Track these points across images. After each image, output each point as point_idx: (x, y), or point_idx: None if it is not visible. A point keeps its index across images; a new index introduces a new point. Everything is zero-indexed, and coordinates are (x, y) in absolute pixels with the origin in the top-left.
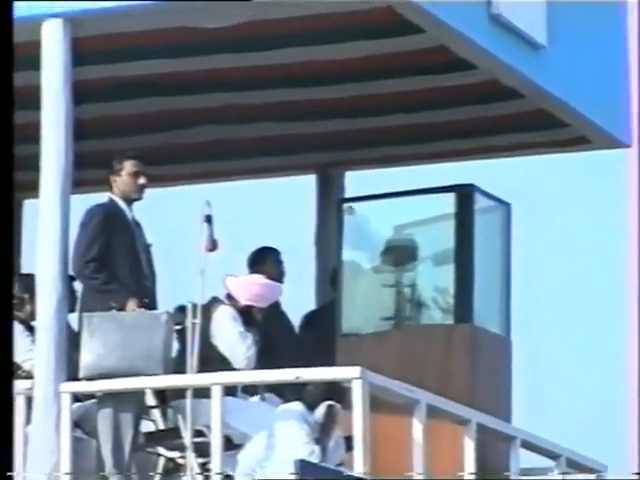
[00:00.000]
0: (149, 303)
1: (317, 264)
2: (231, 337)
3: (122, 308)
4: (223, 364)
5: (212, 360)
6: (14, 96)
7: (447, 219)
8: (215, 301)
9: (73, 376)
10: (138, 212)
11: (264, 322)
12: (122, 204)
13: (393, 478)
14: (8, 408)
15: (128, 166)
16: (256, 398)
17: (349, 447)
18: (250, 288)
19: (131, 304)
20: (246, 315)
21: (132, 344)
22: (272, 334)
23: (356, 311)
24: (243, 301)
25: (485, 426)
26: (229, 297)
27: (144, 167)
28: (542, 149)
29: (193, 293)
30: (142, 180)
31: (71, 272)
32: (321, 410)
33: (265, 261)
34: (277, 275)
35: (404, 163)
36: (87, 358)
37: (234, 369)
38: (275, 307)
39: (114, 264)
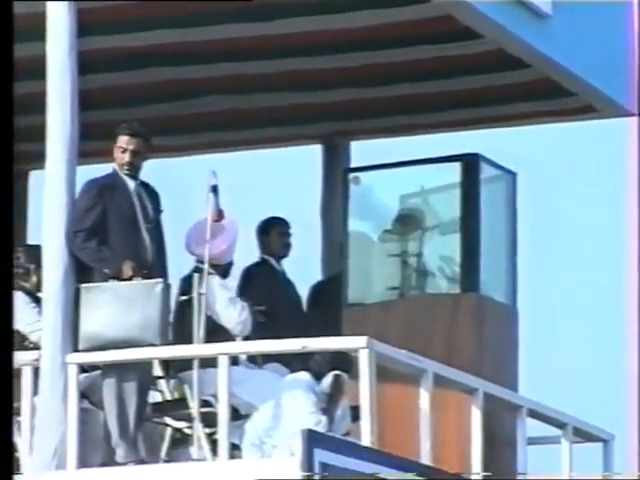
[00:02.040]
0: (149, 274)
1: (323, 234)
2: (221, 304)
3: (117, 274)
4: (221, 334)
5: (210, 331)
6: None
7: (453, 188)
8: (201, 272)
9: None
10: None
11: (269, 291)
12: (123, 175)
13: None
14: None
15: (118, 141)
16: (263, 368)
17: (356, 417)
18: (226, 245)
19: (126, 268)
20: (228, 272)
21: (128, 315)
22: (279, 304)
23: (362, 281)
24: (226, 261)
25: (492, 395)
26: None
27: (139, 142)
28: (548, 118)
29: (191, 261)
30: (127, 157)
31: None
32: (328, 380)
33: (269, 232)
34: (282, 246)
35: (410, 133)
36: (85, 330)
37: (232, 338)
38: (281, 276)
39: (108, 235)
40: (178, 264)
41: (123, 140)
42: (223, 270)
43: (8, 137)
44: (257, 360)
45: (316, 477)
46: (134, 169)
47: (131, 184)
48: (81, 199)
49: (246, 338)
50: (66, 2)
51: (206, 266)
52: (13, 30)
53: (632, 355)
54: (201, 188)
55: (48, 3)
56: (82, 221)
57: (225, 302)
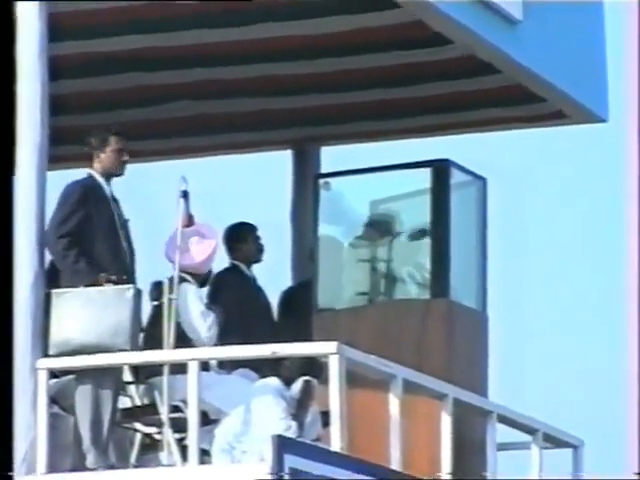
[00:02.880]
0: (128, 280)
1: (293, 239)
2: (193, 316)
3: (92, 284)
4: (186, 342)
5: (181, 337)
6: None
7: (423, 194)
8: (179, 279)
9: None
10: (115, 187)
11: (240, 298)
12: (101, 180)
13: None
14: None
15: (113, 142)
16: (232, 374)
17: (326, 422)
18: (205, 256)
19: (101, 280)
20: (205, 281)
21: (99, 320)
22: (249, 310)
23: (332, 286)
24: (204, 270)
25: (462, 401)
26: (187, 273)
27: (126, 143)
28: (519, 124)
29: (169, 269)
30: (125, 157)
31: (46, 247)
32: (298, 385)
33: (247, 238)
34: (257, 252)
35: (380, 138)
36: (55, 335)
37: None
38: (251, 283)
39: (90, 241)
40: (149, 270)
41: (116, 140)
42: (202, 279)
43: (8, 141)
44: (227, 366)
45: (285, 477)
46: (125, 169)
47: (107, 189)
48: (62, 204)
49: (216, 343)
50: (36, 5)
51: (176, 272)
52: (14, 31)
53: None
54: (171, 193)
55: (18, 8)
56: (64, 226)
57: (197, 314)
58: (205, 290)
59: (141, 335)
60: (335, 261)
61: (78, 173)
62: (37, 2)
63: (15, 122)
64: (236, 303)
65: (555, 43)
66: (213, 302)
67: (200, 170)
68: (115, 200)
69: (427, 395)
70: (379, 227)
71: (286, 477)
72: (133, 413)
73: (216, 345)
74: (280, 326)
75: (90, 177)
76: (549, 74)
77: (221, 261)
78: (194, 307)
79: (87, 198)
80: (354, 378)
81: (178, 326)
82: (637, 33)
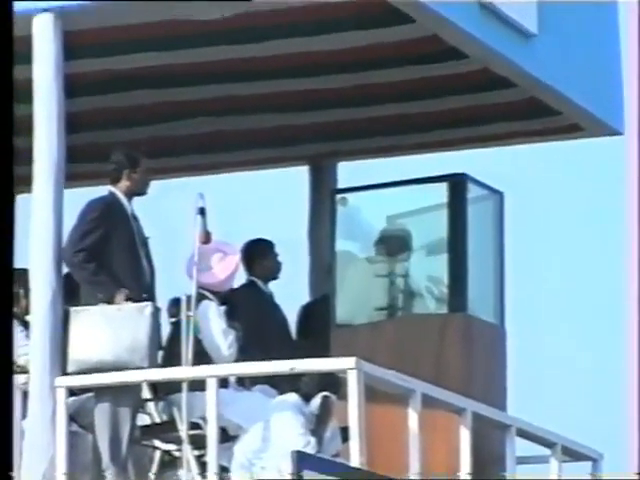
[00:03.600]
0: (148, 298)
1: (310, 255)
2: (214, 333)
3: (110, 300)
4: (206, 359)
5: (200, 353)
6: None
7: (440, 209)
8: (200, 296)
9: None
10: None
11: (258, 314)
12: (122, 198)
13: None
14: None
15: (145, 162)
16: (251, 390)
17: (345, 438)
18: (228, 273)
19: (119, 297)
20: (226, 298)
21: (117, 338)
22: (267, 326)
23: (350, 302)
24: (226, 288)
25: (480, 415)
26: (209, 290)
27: (149, 162)
28: (534, 138)
29: (188, 286)
30: (151, 176)
31: (63, 262)
32: (317, 401)
33: (265, 255)
34: (275, 269)
35: (396, 153)
36: (74, 353)
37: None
38: (269, 299)
39: (110, 257)
40: (168, 288)
41: (147, 161)
42: (222, 297)
43: (8, 156)
44: (245, 382)
45: None
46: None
47: (128, 207)
48: (83, 220)
49: (235, 360)
50: (52, 26)
51: (193, 289)
52: (12, 32)
53: (624, 373)
54: (188, 210)
55: (34, 27)
56: (83, 241)
57: (218, 332)
58: (224, 308)
59: (160, 352)
60: (353, 276)
61: (95, 190)
62: (52, 20)
63: (13, 138)
64: (254, 319)
65: (570, 56)
66: (231, 318)
67: (217, 187)
68: (135, 218)
69: (446, 409)
70: (396, 242)
71: None
72: (152, 430)
73: (235, 361)
74: (298, 342)
75: (111, 195)
76: (564, 87)
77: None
78: (215, 325)
79: (108, 215)
80: (373, 393)
81: (197, 343)
82: (637, 33)
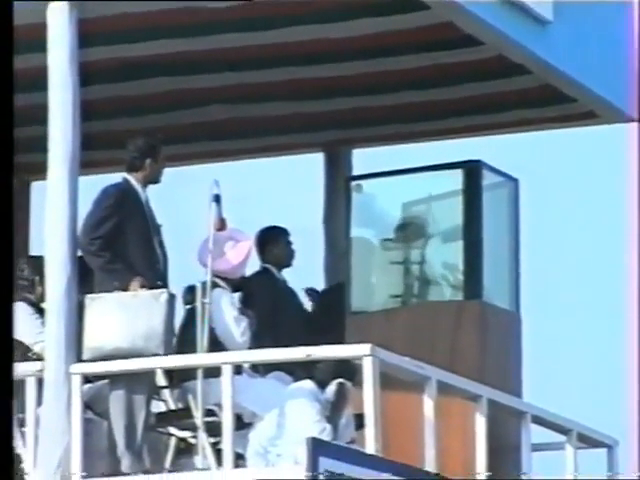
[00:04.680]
0: (161, 285)
1: (325, 242)
2: (227, 321)
3: (125, 288)
4: (219, 346)
5: (214, 341)
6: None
7: (455, 195)
8: (212, 284)
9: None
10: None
11: (272, 301)
12: (137, 185)
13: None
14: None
15: (161, 151)
16: (266, 377)
17: (360, 425)
18: (240, 260)
19: (134, 284)
20: (238, 286)
21: (132, 325)
22: (282, 313)
23: (365, 289)
24: (238, 275)
25: (496, 402)
26: (221, 277)
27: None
28: (549, 125)
29: (200, 273)
30: (165, 164)
31: (78, 249)
32: (332, 388)
33: (278, 242)
34: (288, 256)
35: (411, 140)
36: (89, 340)
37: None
38: (283, 286)
39: (125, 245)
40: (181, 275)
41: (163, 149)
42: (234, 284)
43: (8, 148)
44: (260, 369)
45: (321, 477)
46: None
47: (143, 195)
48: (98, 207)
49: (249, 348)
50: (67, 14)
51: (208, 276)
52: (13, 37)
53: (635, 359)
54: (203, 197)
55: (49, 15)
56: (99, 229)
57: (230, 320)
58: (237, 295)
59: (174, 339)
60: (368, 264)
61: (107, 178)
62: (67, 8)
63: (13, 128)
64: (267, 306)
65: (585, 43)
66: (245, 306)
67: (231, 174)
68: (149, 206)
69: (461, 396)
70: (411, 229)
71: (321, 477)
72: (167, 417)
73: (250, 348)
74: (313, 329)
75: (126, 182)
76: (580, 74)
77: (252, 265)
78: (227, 313)
79: (123, 203)
80: (388, 380)
81: (211, 330)
82: (637, 33)
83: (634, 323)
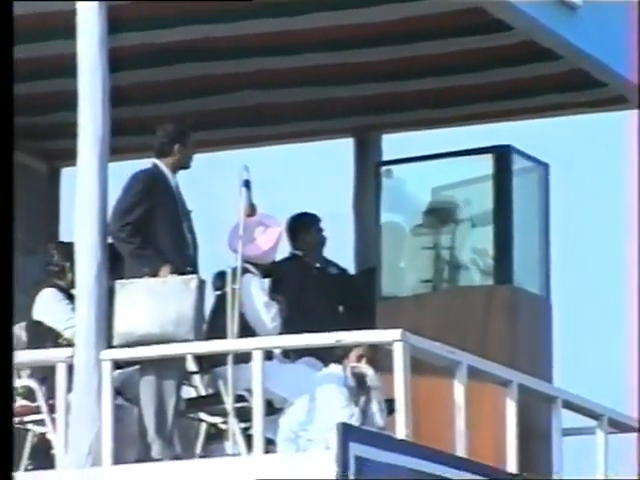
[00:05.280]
0: (192, 271)
1: (355, 228)
2: (257, 307)
3: (155, 274)
4: (249, 332)
5: (244, 326)
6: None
7: (485, 180)
8: (242, 270)
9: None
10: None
11: (302, 287)
12: (167, 171)
13: None
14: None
15: (190, 136)
16: (296, 362)
17: (391, 410)
18: (271, 245)
19: (164, 271)
20: (269, 271)
21: (163, 310)
22: (311, 299)
23: (395, 274)
24: (269, 260)
25: (526, 387)
26: (251, 263)
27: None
28: (580, 109)
29: (230, 259)
30: (195, 149)
31: (108, 235)
32: (348, 373)
33: (309, 229)
34: (319, 243)
35: (441, 125)
36: (119, 326)
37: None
38: (314, 272)
39: (154, 231)
40: (210, 261)
41: (192, 135)
42: (264, 270)
43: (8, 139)
44: (291, 355)
45: (351, 477)
46: None
47: (172, 180)
48: (128, 193)
49: (280, 333)
50: (96, 1)
51: (239, 262)
52: (13, 30)
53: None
54: (233, 183)
55: (79, 1)
56: (128, 215)
57: (260, 305)
58: (267, 281)
59: (204, 325)
60: (398, 249)
61: (139, 164)
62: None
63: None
64: (298, 292)
65: (614, 27)
66: (275, 292)
67: (262, 159)
68: (179, 191)
69: (492, 381)
70: (441, 214)
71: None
72: (198, 403)
73: (280, 334)
74: (344, 314)
75: (155, 167)
76: (609, 59)
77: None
78: (258, 298)
79: (152, 188)
80: (418, 365)
81: (241, 316)
82: (637, 32)
83: None
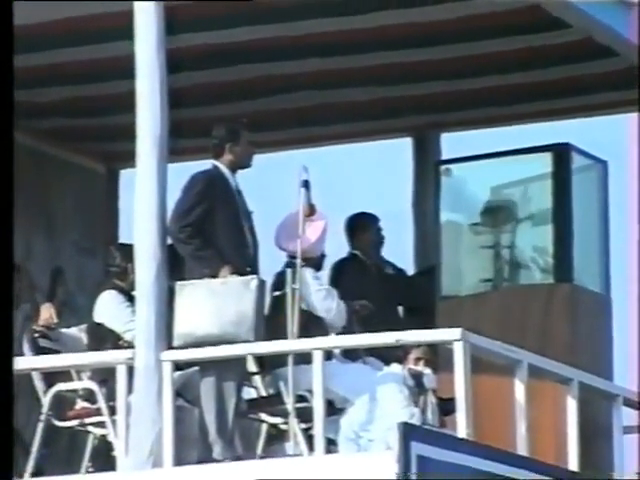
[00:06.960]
0: (252, 272)
1: (415, 227)
2: (318, 296)
3: (215, 275)
4: (314, 329)
5: (303, 326)
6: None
7: (544, 179)
8: (294, 265)
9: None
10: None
11: (360, 287)
12: (226, 172)
13: None
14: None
15: (247, 134)
16: (358, 362)
17: (451, 409)
18: (317, 236)
19: (224, 271)
20: (321, 265)
21: (223, 311)
22: (371, 299)
23: (455, 273)
24: (317, 252)
25: (587, 385)
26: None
27: (253, 135)
28: (638, 107)
29: (284, 257)
30: (254, 149)
31: (168, 237)
32: (406, 373)
33: (368, 228)
34: (377, 243)
35: (500, 124)
36: (179, 327)
37: (325, 331)
38: (373, 272)
39: (214, 232)
40: (268, 260)
41: (249, 133)
42: (315, 263)
43: (8, 142)
44: (354, 354)
45: (412, 477)
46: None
47: (232, 181)
48: (187, 194)
49: (339, 333)
50: (153, 3)
51: (299, 261)
52: (12, 31)
53: None
54: (292, 183)
55: (136, 2)
56: (188, 216)
57: (321, 294)
58: (321, 273)
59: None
60: (457, 248)
61: (198, 165)
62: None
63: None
64: (357, 292)
65: None
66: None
67: (320, 160)
68: (239, 191)
69: (552, 380)
70: (501, 213)
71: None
72: (258, 403)
73: (340, 333)
74: (404, 314)
75: (215, 168)
76: None
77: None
78: (316, 288)
79: (212, 189)
80: (479, 364)
81: (302, 314)
82: (637, 32)
83: None
